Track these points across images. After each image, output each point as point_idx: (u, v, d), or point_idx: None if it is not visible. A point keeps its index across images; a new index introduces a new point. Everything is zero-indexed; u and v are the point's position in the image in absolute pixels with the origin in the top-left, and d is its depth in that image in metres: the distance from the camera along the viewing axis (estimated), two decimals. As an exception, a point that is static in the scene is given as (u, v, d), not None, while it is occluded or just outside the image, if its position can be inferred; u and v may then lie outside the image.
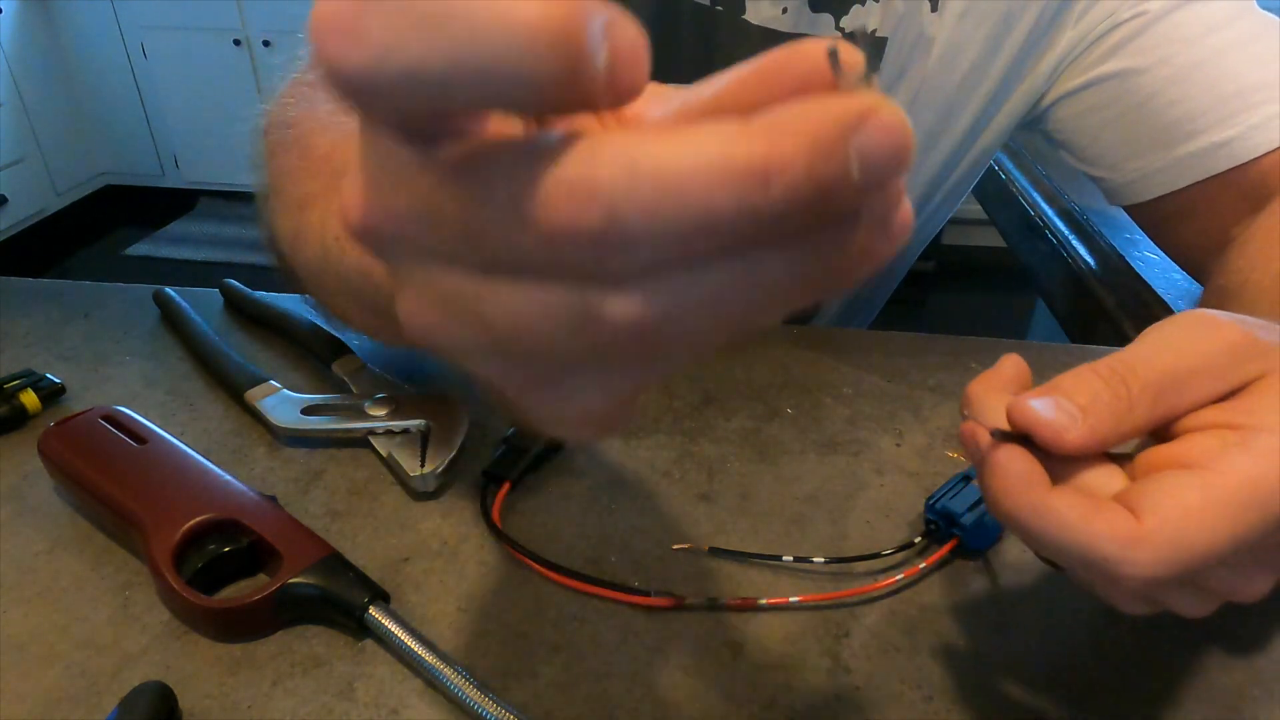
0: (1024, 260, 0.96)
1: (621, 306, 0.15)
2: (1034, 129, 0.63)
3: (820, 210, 0.14)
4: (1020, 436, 0.26)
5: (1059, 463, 0.26)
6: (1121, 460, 0.26)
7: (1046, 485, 0.25)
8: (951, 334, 0.57)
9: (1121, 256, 0.80)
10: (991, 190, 1.05)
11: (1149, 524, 0.24)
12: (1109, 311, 0.75)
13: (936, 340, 0.56)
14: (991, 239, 2.55)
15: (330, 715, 0.32)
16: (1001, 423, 0.26)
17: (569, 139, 0.14)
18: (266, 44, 2.97)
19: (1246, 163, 0.52)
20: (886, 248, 0.16)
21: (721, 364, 0.53)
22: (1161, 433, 0.27)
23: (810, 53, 0.15)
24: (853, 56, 0.14)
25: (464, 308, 0.16)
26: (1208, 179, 0.53)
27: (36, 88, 3.05)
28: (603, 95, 0.14)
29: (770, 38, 0.58)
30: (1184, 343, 0.26)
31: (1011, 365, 0.30)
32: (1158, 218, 0.58)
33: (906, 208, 0.16)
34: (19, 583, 0.38)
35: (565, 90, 0.13)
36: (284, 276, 0.44)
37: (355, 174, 0.17)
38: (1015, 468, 0.25)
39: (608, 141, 0.14)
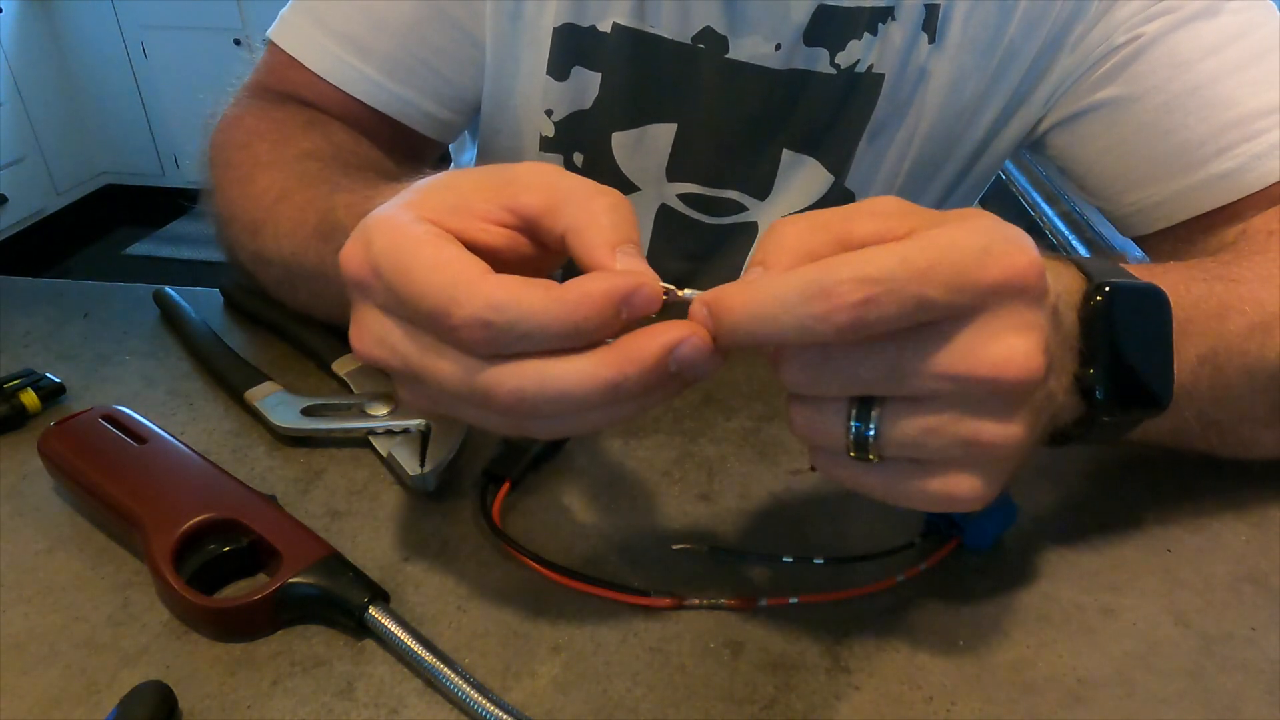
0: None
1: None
2: (1037, 153, 0.62)
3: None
4: None
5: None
6: None
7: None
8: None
9: (1122, 256, 0.80)
10: (991, 190, 1.05)
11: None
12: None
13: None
14: (991, 239, 2.56)
15: (330, 715, 0.32)
16: None
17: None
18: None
19: (1250, 195, 0.49)
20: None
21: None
22: None
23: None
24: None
25: (377, 332, 0.30)
26: (1209, 211, 0.51)
27: (36, 88, 3.05)
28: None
29: (761, 75, 0.57)
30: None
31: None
32: (1160, 245, 0.56)
33: None
34: (19, 582, 0.38)
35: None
36: (230, 265, 0.57)
37: (351, 245, 0.30)
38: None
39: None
